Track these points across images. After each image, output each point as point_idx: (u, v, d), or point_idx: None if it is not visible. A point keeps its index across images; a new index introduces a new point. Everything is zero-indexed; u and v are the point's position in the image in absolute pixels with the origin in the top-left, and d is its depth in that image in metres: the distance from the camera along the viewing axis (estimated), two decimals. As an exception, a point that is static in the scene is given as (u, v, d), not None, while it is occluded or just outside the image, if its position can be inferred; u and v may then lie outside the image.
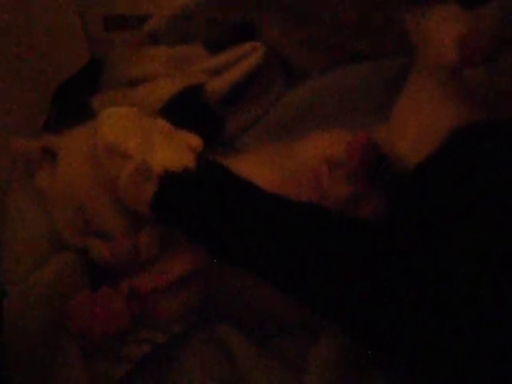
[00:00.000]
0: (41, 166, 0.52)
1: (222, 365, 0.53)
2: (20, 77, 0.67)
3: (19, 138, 0.53)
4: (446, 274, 0.40)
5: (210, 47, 0.70)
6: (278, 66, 0.71)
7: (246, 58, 0.67)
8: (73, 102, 0.71)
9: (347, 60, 0.71)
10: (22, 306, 0.48)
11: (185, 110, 0.65)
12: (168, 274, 0.50)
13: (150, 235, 0.49)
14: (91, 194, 0.48)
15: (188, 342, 0.54)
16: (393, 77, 0.67)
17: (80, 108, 0.69)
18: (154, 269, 0.50)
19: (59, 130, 0.55)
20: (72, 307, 0.48)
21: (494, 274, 0.39)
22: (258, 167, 0.54)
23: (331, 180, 0.52)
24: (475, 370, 0.38)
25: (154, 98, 0.66)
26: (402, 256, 0.41)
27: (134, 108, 0.49)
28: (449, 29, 0.45)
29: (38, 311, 0.48)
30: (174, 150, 0.46)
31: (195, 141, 0.50)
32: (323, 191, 0.52)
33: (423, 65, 0.53)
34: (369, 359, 0.48)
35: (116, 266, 0.49)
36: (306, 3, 0.66)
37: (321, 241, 0.43)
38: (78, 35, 0.76)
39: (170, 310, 0.52)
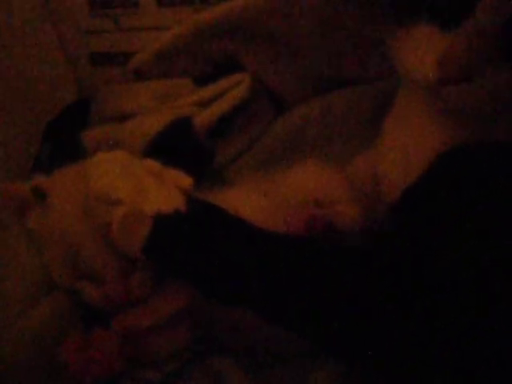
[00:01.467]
0: (32, 207, 0.52)
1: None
2: (7, 116, 0.67)
3: (8, 182, 0.53)
4: (436, 293, 0.40)
5: (196, 80, 0.71)
6: (265, 97, 0.72)
7: (233, 89, 0.68)
8: (63, 139, 0.71)
9: (333, 87, 0.71)
10: (13, 350, 0.48)
11: (173, 143, 0.66)
12: (160, 312, 0.49)
13: (142, 277, 0.49)
14: (82, 237, 0.48)
15: (183, 376, 0.53)
16: (379, 101, 0.67)
17: (70, 145, 0.69)
18: (146, 306, 0.50)
19: (50, 169, 0.55)
20: (65, 351, 0.48)
21: (482, 289, 0.39)
22: (246, 199, 0.54)
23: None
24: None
25: (142, 132, 0.66)
26: (394, 279, 0.41)
27: (122, 151, 0.49)
28: (427, 49, 0.45)
29: (30, 354, 0.48)
30: (164, 192, 0.46)
31: (186, 181, 0.50)
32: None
33: (407, 87, 0.54)
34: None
35: (107, 307, 0.49)
36: (290, 33, 0.67)
37: (314, 273, 0.43)
38: (64, 72, 0.77)
39: (164, 348, 0.51)
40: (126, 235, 0.44)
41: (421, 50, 0.46)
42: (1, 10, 0.69)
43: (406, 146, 0.52)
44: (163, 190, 0.46)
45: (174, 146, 0.65)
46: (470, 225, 0.41)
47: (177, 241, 0.45)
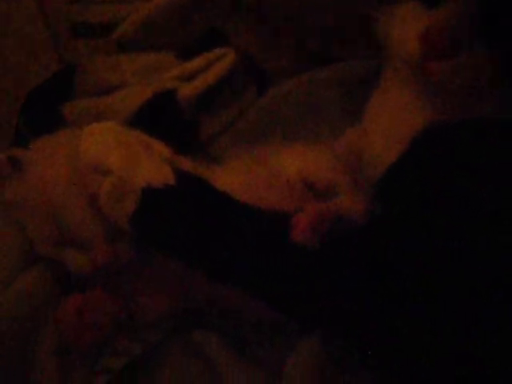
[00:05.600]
0: (9, 178, 0.51)
1: (201, 371, 0.53)
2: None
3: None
4: (421, 271, 0.41)
5: (180, 54, 0.70)
6: (250, 71, 0.71)
7: (217, 63, 0.67)
8: (43, 110, 0.70)
9: (319, 63, 0.71)
10: None
11: (157, 116, 0.65)
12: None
13: (129, 242, 0.49)
14: (67, 203, 0.48)
15: (165, 349, 0.53)
16: (364, 78, 0.67)
17: (51, 116, 0.68)
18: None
19: (30, 138, 0.54)
20: (60, 315, 0.48)
21: (465, 269, 0.40)
22: (232, 179, 0.54)
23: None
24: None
25: (125, 105, 0.65)
26: (376, 258, 0.42)
27: (114, 123, 0.49)
28: (411, 26, 0.46)
29: (12, 328, 0.48)
30: (154, 164, 0.46)
31: (165, 151, 0.50)
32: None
33: (391, 65, 0.54)
34: (346, 364, 0.49)
35: (93, 274, 0.49)
36: (275, 6, 0.67)
37: (299, 251, 0.43)
38: (46, 43, 0.76)
39: (152, 311, 0.52)
40: (114, 206, 0.44)
41: (405, 26, 0.47)
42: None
43: (390, 124, 0.52)
44: (153, 162, 0.46)
45: (158, 119, 0.65)
46: (453, 203, 0.42)
47: (164, 215, 0.45)
